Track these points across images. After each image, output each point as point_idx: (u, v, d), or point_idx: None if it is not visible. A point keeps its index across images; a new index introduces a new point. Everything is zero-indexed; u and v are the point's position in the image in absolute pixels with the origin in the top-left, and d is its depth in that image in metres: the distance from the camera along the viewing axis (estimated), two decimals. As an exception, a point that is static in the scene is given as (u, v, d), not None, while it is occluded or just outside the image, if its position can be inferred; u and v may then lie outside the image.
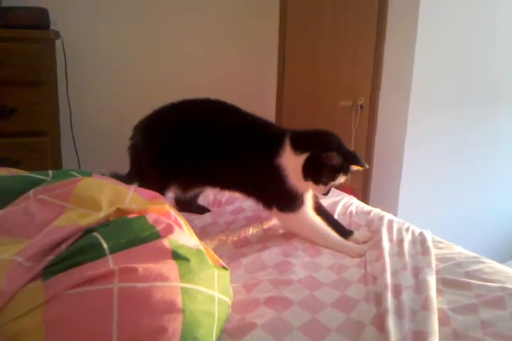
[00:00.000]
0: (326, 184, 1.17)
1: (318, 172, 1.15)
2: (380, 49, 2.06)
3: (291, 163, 1.17)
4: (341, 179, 1.19)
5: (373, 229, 1.31)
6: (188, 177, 1.33)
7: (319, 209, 1.28)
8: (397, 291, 0.94)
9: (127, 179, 1.42)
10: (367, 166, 1.20)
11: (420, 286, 0.96)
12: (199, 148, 1.26)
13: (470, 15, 1.96)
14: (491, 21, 2.02)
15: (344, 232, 1.25)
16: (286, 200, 1.21)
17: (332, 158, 1.13)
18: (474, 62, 2.04)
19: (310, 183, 1.18)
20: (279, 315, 0.85)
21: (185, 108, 1.32)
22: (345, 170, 1.17)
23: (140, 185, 1.33)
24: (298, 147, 1.17)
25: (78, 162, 2.36)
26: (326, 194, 1.20)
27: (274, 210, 1.24)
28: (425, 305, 0.88)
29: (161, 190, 1.29)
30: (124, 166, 1.49)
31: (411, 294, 0.94)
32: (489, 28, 2.03)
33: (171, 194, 1.41)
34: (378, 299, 0.92)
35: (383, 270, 1.03)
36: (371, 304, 0.91)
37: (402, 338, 0.79)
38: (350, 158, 1.17)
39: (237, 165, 1.23)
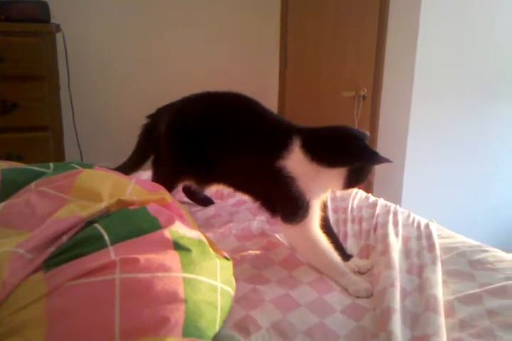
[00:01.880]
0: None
1: (353, 180, 1.06)
2: (383, 39, 2.04)
3: (303, 167, 1.03)
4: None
5: (379, 221, 1.28)
6: (204, 171, 1.24)
7: (326, 227, 1.13)
8: (400, 295, 0.91)
9: (127, 166, 1.38)
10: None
11: (423, 286, 0.94)
12: (219, 144, 1.18)
13: (474, 2, 1.94)
14: (496, 7, 2.00)
15: (343, 256, 1.10)
16: (288, 208, 1.06)
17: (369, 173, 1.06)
18: (478, 51, 2.01)
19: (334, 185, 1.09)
20: (284, 314, 0.84)
21: (216, 101, 1.25)
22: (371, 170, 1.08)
23: (154, 171, 1.31)
24: (318, 155, 1.03)
25: (81, 156, 2.36)
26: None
27: (278, 221, 1.10)
28: (428, 306, 0.86)
29: (174, 178, 1.27)
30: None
31: (414, 296, 0.92)
32: (493, 15, 2.00)
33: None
34: (381, 296, 0.90)
35: (387, 266, 1.00)
36: (377, 307, 0.88)
37: None
38: (373, 159, 1.04)
39: (244, 164, 1.14)
